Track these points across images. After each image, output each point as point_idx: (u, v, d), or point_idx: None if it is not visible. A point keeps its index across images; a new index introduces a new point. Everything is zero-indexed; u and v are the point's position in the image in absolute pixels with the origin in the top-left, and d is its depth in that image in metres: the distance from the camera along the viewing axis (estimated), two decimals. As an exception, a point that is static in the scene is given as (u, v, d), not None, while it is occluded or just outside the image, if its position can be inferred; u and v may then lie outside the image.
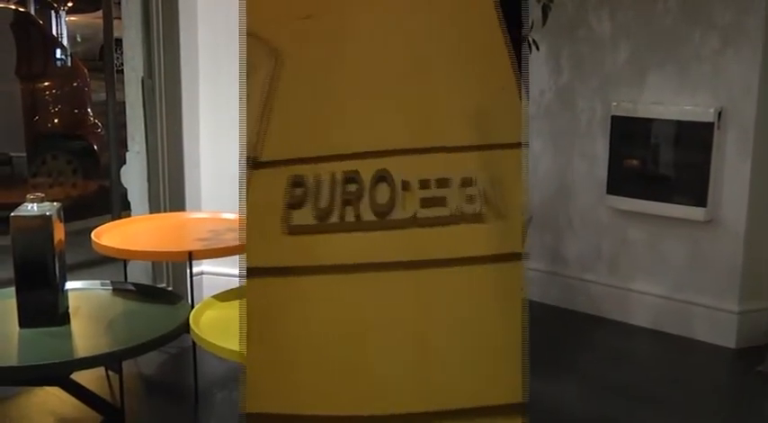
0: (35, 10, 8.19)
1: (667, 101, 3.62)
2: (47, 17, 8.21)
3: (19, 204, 2.40)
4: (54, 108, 6.31)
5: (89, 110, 6.37)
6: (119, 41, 4.22)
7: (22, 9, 7.08)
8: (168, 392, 3.23)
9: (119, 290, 2.83)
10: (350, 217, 1.82)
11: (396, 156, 1.83)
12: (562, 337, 3.72)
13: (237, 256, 1.94)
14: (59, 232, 2.41)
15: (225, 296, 2.61)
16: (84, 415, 2.74)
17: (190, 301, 2.93)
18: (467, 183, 1.82)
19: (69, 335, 2.44)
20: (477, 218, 1.82)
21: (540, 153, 4.03)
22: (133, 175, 3.87)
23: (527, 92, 1.89)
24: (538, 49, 3.62)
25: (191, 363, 3.00)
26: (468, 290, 1.84)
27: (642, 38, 3.68)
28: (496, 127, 1.86)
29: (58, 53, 6.57)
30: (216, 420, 2.97)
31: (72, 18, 12.70)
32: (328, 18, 1.85)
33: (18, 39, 6.03)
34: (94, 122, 6.28)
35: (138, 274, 3.72)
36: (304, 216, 1.82)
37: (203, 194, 3.90)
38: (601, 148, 3.84)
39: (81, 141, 6.20)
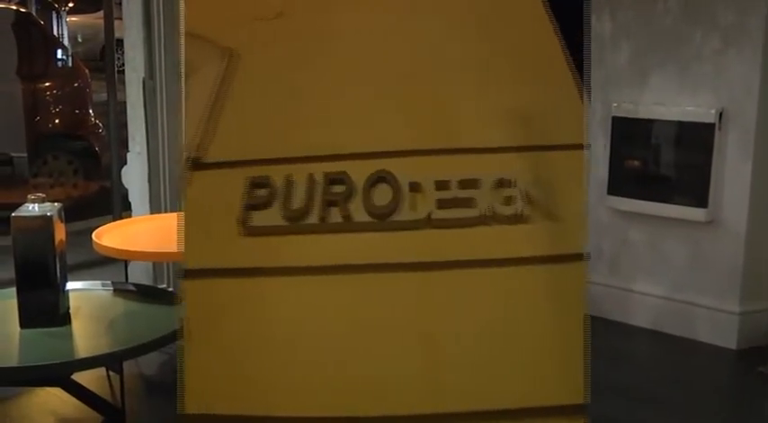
0: (36, 10, 8.20)
1: (668, 101, 3.61)
2: (48, 17, 8.22)
3: (20, 205, 2.39)
4: (55, 108, 6.31)
5: (90, 110, 6.38)
6: (120, 42, 4.22)
7: (23, 9, 7.08)
8: (169, 393, 3.20)
9: (119, 290, 2.83)
10: (335, 218, 1.81)
11: (398, 157, 1.82)
12: (563, 338, 3.71)
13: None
14: (60, 233, 2.40)
15: (225, 297, 2.60)
16: (85, 415, 2.74)
17: (190, 301, 2.92)
18: (504, 184, 1.80)
19: (70, 335, 2.43)
20: (516, 219, 1.80)
21: (541, 153, 4.02)
22: (134, 176, 3.87)
23: (589, 93, 1.87)
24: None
25: (191, 363, 3.00)
26: (505, 291, 1.81)
27: (643, 38, 3.68)
28: (548, 128, 1.84)
29: (59, 53, 6.58)
30: (216, 421, 2.97)
31: (73, 18, 12.73)
32: (304, 16, 1.84)
33: (19, 39, 6.04)
34: (95, 123, 6.28)
35: (139, 274, 3.72)
36: (269, 217, 1.81)
37: (204, 195, 3.89)
38: (601, 149, 3.84)
39: (82, 142, 6.21)
